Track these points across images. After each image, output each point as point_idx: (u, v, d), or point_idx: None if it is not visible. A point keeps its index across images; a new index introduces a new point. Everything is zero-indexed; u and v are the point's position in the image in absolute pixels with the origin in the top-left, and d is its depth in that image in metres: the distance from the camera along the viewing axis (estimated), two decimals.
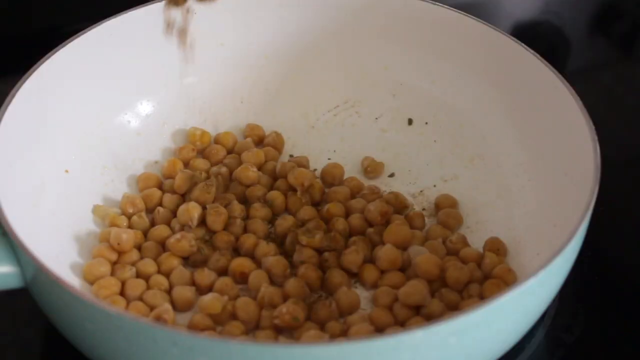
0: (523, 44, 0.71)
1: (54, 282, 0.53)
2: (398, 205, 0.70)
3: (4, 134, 0.62)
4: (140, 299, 0.63)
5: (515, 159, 0.72)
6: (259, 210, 0.69)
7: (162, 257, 0.66)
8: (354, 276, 0.65)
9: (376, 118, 0.79)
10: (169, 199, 0.70)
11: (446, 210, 0.70)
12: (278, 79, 0.80)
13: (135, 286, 0.63)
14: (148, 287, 0.64)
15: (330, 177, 0.73)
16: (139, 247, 0.67)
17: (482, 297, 0.62)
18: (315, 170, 0.74)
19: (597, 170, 0.60)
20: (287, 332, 0.61)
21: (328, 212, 0.69)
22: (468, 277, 0.63)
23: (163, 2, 0.74)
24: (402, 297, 0.62)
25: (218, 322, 0.62)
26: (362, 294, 0.64)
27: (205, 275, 0.64)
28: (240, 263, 0.65)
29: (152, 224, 0.69)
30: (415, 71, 0.78)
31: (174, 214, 0.69)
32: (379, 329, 0.61)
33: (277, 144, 0.76)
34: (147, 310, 0.62)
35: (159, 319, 0.59)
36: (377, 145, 0.77)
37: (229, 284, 0.63)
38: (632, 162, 0.83)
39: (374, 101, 0.79)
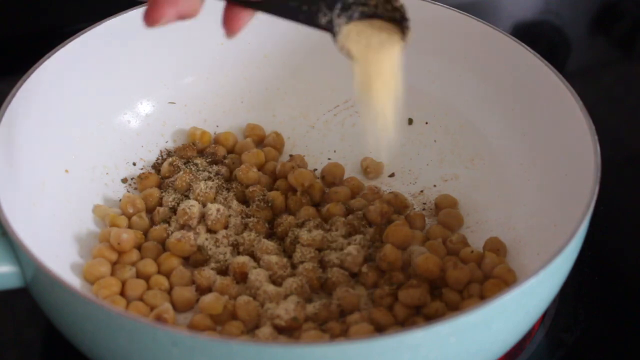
0: (523, 44, 0.72)
1: (54, 282, 0.53)
2: (398, 205, 0.70)
3: (4, 134, 0.62)
4: (141, 299, 0.63)
5: (515, 159, 0.72)
6: (259, 210, 0.69)
7: (162, 257, 0.66)
8: (354, 276, 0.65)
9: None
10: (168, 198, 0.69)
11: (446, 210, 0.70)
12: (278, 79, 0.80)
13: (136, 286, 0.63)
14: (148, 287, 0.64)
15: (331, 177, 0.73)
16: (139, 247, 0.67)
17: (482, 297, 0.62)
18: (315, 170, 0.74)
19: (597, 170, 0.60)
20: (287, 332, 0.61)
21: (328, 212, 0.69)
22: (468, 277, 0.63)
23: None
24: (402, 297, 0.62)
25: (218, 322, 0.62)
26: (362, 294, 0.64)
27: (205, 275, 0.64)
28: (241, 263, 0.65)
29: (152, 224, 0.69)
30: (415, 71, 0.78)
31: (173, 213, 0.69)
32: (379, 329, 0.61)
33: (277, 144, 0.76)
34: (147, 310, 0.62)
35: (159, 318, 0.60)
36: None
37: (229, 284, 0.63)
38: (632, 162, 0.83)
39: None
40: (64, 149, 0.69)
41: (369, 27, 0.56)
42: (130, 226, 0.68)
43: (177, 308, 0.63)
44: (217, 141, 0.76)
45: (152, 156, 0.75)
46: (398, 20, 0.56)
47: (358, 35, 0.56)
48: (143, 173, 0.72)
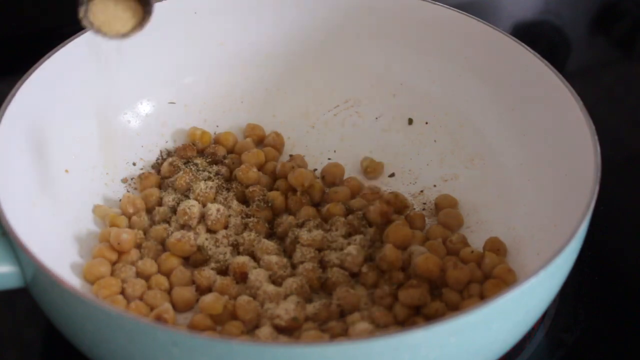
0: (523, 44, 0.72)
1: (54, 282, 0.53)
2: (398, 205, 0.70)
3: (4, 134, 0.62)
4: (141, 299, 0.63)
5: (515, 159, 0.72)
6: (259, 210, 0.69)
7: (162, 257, 0.66)
8: (354, 276, 0.65)
9: (376, 118, 0.79)
10: (168, 198, 0.70)
11: (446, 210, 0.70)
12: (278, 79, 0.80)
13: (136, 286, 0.63)
14: (148, 287, 0.64)
15: (331, 177, 0.73)
16: (139, 247, 0.67)
17: (482, 297, 0.62)
18: (315, 170, 0.74)
19: (597, 170, 0.60)
20: (287, 332, 0.61)
21: (328, 212, 0.69)
22: (468, 277, 0.63)
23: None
24: (402, 297, 0.62)
25: (218, 322, 0.62)
26: (362, 294, 0.64)
27: (205, 275, 0.64)
28: (241, 262, 0.65)
29: (152, 223, 0.69)
30: (415, 71, 0.78)
31: (173, 213, 0.69)
32: (379, 329, 0.61)
33: (277, 144, 0.76)
34: (147, 310, 0.62)
35: (159, 318, 0.60)
36: (377, 145, 0.77)
37: (229, 283, 0.63)
38: (632, 162, 0.83)
39: (374, 101, 0.79)
40: (64, 149, 0.69)
41: (113, 3, 0.60)
42: (130, 226, 0.68)
43: (177, 308, 0.63)
44: (217, 141, 0.76)
45: (152, 156, 0.75)
46: (144, 3, 0.59)
47: (103, 7, 0.60)
48: (143, 173, 0.72)
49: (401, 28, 0.78)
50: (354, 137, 0.78)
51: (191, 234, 0.66)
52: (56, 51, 0.69)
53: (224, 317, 0.62)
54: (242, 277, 0.64)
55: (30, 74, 0.66)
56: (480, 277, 0.64)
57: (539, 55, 0.70)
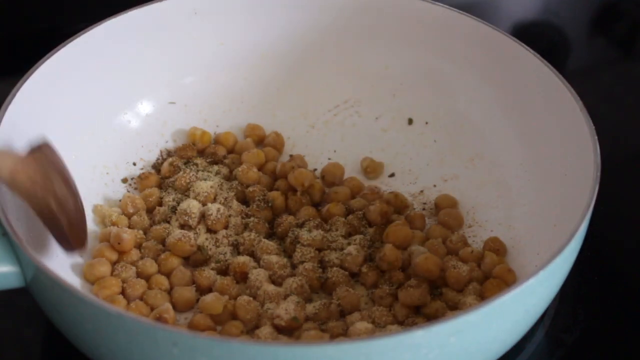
0: (523, 44, 0.72)
1: (54, 282, 0.53)
2: (398, 205, 0.70)
3: (4, 134, 0.62)
4: (141, 299, 0.63)
5: (515, 159, 0.72)
6: (259, 210, 0.69)
7: (162, 257, 0.66)
8: (354, 276, 0.65)
9: (376, 118, 0.79)
10: (168, 198, 0.70)
11: (446, 210, 0.70)
12: (278, 79, 0.80)
13: (136, 286, 0.63)
14: (148, 287, 0.64)
15: (331, 177, 0.73)
16: (139, 247, 0.67)
17: (482, 297, 0.62)
18: (315, 170, 0.74)
19: (597, 170, 0.60)
20: (287, 332, 0.61)
21: (328, 212, 0.69)
22: (468, 277, 0.63)
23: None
24: (402, 297, 0.62)
25: (218, 322, 0.62)
26: (362, 294, 0.64)
27: (205, 275, 0.64)
28: (241, 262, 0.65)
29: (152, 223, 0.69)
30: (415, 71, 0.78)
31: (173, 213, 0.69)
32: (379, 329, 0.61)
33: (277, 144, 0.76)
34: (147, 310, 0.62)
35: (159, 318, 0.60)
36: (377, 145, 0.77)
37: (229, 283, 0.63)
38: (632, 162, 0.83)
39: (374, 101, 0.79)
40: (64, 149, 0.69)
41: None
42: (130, 226, 0.68)
43: (177, 308, 0.63)
44: (217, 141, 0.76)
45: (152, 156, 0.75)
46: None
47: None
48: (143, 173, 0.72)
49: (401, 28, 0.78)
50: (354, 137, 0.78)
51: (191, 234, 0.66)
52: (56, 51, 0.69)
53: (224, 317, 0.62)
54: (242, 277, 0.64)
55: (31, 74, 0.66)
56: (480, 277, 0.64)
57: (539, 55, 0.70)
